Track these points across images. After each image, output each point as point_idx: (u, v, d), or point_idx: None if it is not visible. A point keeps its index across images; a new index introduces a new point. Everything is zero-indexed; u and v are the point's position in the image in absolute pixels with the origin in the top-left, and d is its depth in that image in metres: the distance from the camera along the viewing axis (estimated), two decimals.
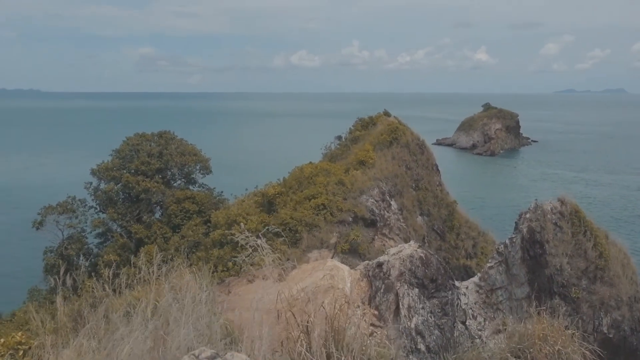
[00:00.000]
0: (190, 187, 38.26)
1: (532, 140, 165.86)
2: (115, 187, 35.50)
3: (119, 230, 34.86)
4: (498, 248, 20.48)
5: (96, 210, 36.66)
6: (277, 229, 10.96)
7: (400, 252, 16.71)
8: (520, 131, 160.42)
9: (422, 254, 16.82)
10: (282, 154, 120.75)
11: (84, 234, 35.69)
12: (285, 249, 25.65)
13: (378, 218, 29.50)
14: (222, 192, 38.33)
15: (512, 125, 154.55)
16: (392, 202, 32.56)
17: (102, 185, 36.17)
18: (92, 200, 36.67)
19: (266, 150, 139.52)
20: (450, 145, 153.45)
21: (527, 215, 20.08)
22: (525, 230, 19.77)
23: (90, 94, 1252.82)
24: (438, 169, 38.94)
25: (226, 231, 27.78)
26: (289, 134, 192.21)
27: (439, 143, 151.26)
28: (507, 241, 20.24)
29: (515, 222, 20.71)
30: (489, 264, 20.22)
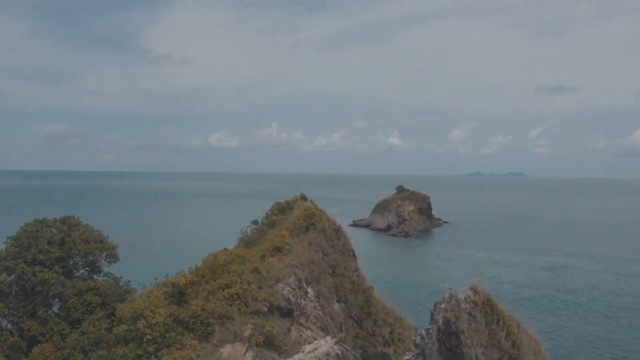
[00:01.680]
0: (95, 276, 35.61)
1: (443, 222, 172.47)
2: (8, 279, 32.36)
3: (9, 327, 31.48)
4: (415, 340, 20.19)
5: None
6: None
7: (316, 350, 15.99)
8: (432, 212, 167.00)
9: (338, 351, 16.17)
10: (198, 236, 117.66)
11: None
12: (196, 345, 24.10)
13: (294, 307, 28.60)
14: (129, 281, 35.97)
15: (424, 207, 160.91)
16: (309, 290, 31.84)
17: None
18: None
19: (180, 232, 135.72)
20: (366, 226, 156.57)
21: (442, 306, 20.08)
22: (441, 321, 19.68)
23: None
24: (354, 254, 38.93)
25: (131, 326, 25.83)
26: (205, 215, 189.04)
27: (355, 224, 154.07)
28: (424, 332, 20.03)
29: (431, 312, 20.61)
30: (406, 357, 19.80)
